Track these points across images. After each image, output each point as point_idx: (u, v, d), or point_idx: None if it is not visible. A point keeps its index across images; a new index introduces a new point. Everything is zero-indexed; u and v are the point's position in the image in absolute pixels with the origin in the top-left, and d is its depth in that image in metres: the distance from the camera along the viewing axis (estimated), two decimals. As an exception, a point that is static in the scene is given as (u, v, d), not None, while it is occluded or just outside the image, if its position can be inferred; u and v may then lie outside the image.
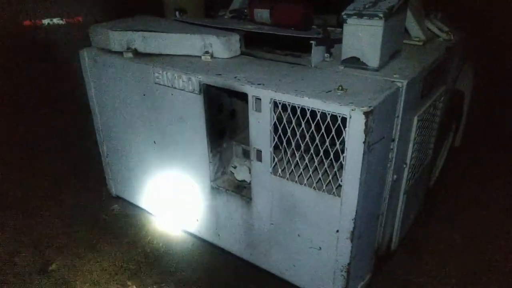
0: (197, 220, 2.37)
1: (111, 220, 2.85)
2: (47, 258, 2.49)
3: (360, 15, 1.82)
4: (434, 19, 2.48)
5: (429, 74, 2.02)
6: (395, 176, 1.93)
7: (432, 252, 2.52)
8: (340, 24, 1.95)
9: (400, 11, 1.95)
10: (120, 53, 2.25)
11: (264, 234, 2.06)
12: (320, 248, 1.85)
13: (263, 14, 2.35)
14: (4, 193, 3.14)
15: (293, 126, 1.72)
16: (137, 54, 2.23)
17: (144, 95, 2.23)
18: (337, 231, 1.74)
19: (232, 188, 2.15)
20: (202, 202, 2.28)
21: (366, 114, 1.49)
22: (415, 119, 1.97)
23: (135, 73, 2.21)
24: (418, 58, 2.07)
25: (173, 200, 2.45)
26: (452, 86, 2.61)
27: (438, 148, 2.76)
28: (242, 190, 2.14)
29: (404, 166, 2.03)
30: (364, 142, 1.52)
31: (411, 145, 2.01)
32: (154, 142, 2.33)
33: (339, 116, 1.55)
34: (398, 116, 1.78)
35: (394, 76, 1.80)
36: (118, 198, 2.88)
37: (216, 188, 2.18)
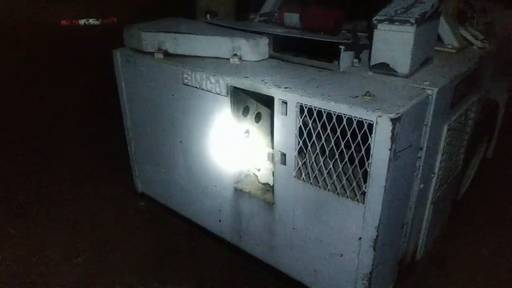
0: (220, 220, 2.39)
1: (136, 217, 2.91)
2: (74, 250, 2.57)
3: (391, 21, 1.80)
4: (469, 27, 2.42)
5: (461, 82, 1.96)
6: (422, 185, 1.89)
7: (459, 266, 2.44)
8: (370, 29, 1.93)
9: (433, 18, 1.91)
10: (151, 54, 2.30)
11: (285, 238, 2.06)
12: (341, 255, 1.83)
13: (293, 18, 2.36)
14: (35, 185, 3.27)
15: (319, 131, 1.71)
16: (167, 55, 2.28)
17: (172, 95, 2.27)
18: (360, 238, 1.72)
19: (255, 190, 2.16)
20: (225, 203, 2.30)
21: (393, 121, 1.46)
22: (445, 128, 1.92)
23: (164, 73, 2.25)
24: (450, 65, 2.02)
25: (197, 199, 2.48)
26: (485, 95, 2.54)
27: (469, 159, 2.67)
28: (265, 193, 2.14)
29: (432, 175, 1.98)
30: (390, 149, 1.50)
31: (439, 154, 1.96)
32: (181, 141, 2.37)
33: (366, 122, 1.53)
34: (426, 124, 1.74)
35: (425, 83, 1.77)
36: (144, 195, 2.94)
37: (239, 190, 2.19)
